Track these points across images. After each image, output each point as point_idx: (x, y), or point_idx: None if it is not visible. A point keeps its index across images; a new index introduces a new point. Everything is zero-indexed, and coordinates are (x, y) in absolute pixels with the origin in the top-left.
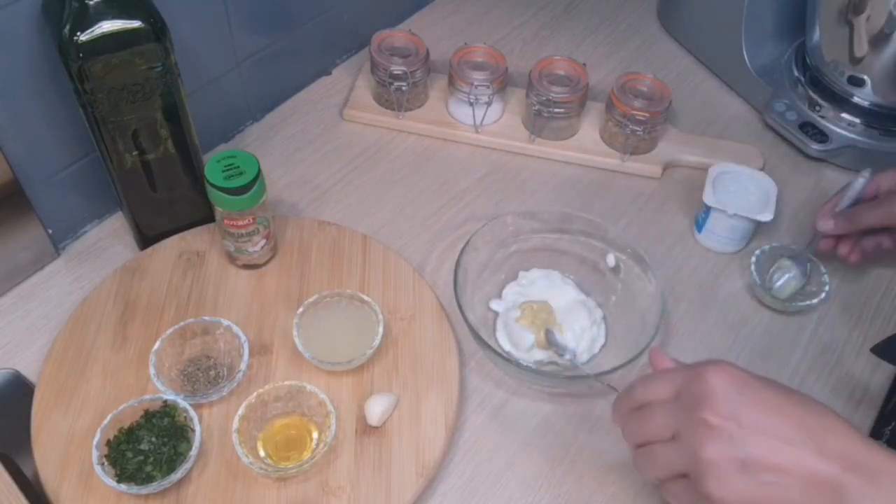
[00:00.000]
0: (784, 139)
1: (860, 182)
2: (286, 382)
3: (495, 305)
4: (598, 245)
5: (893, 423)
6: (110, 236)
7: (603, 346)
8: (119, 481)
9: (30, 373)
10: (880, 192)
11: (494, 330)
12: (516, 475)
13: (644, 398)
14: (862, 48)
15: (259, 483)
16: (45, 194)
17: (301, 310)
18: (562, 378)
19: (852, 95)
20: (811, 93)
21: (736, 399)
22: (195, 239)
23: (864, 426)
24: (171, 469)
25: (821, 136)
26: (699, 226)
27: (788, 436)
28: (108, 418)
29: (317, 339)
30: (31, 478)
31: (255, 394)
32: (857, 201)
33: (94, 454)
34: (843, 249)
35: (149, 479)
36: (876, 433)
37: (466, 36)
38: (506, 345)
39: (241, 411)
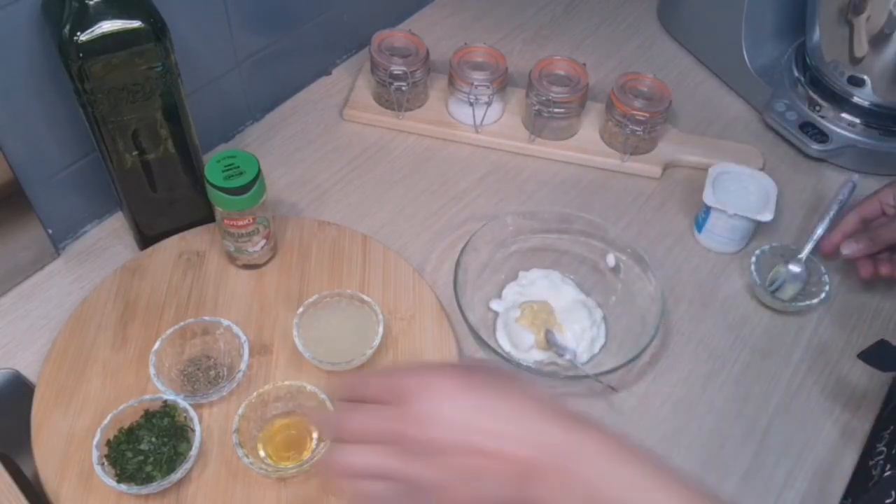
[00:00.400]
0: (784, 139)
1: (847, 189)
2: (286, 382)
3: (495, 305)
4: (598, 245)
5: (892, 427)
6: (110, 236)
7: (603, 346)
8: (119, 481)
9: (30, 373)
10: (885, 208)
11: (494, 330)
12: None
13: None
14: (862, 48)
15: (259, 483)
16: (45, 194)
17: (301, 310)
18: (562, 378)
19: (852, 95)
20: (811, 93)
21: (445, 422)
22: (195, 239)
23: (863, 426)
24: (171, 469)
25: (821, 136)
26: (699, 226)
27: (483, 433)
28: (109, 418)
29: (317, 339)
30: (31, 478)
31: (255, 394)
32: (843, 207)
33: (94, 454)
34: (885, 270)
35: (149, 480)
36: (875, 436)
37: (466, 36)
38: (506, 345)
39: (241, 411)
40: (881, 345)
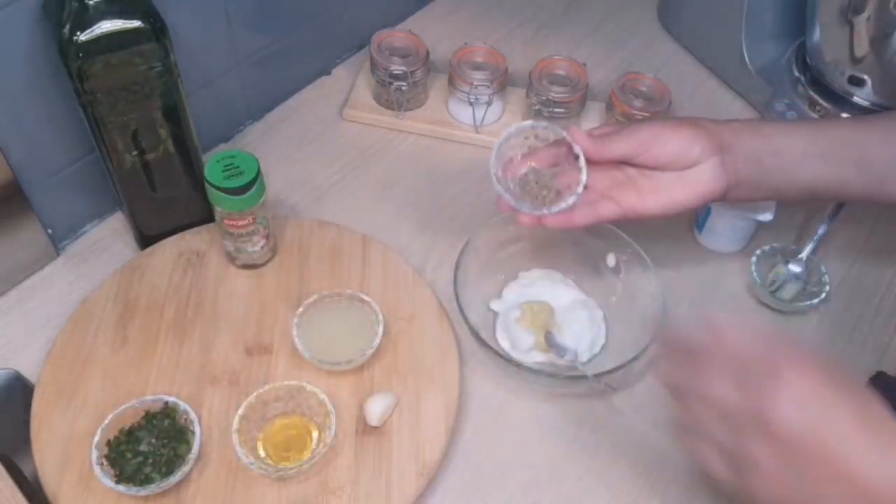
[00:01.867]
0: None
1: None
2: (286, 382)
3: (495, 305)
4: (598, 245)
5: None
6: (110, 236)
7: (603, 346)
8: (118, 482)
9: (30, 373)
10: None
11: (494, 330)
12: (516, 475)
13: (701, 383)
14: (862, 48)
15: (259, 483)
16: (45, 194)
17: (301, 310)
18: (562, 378)
19: (852, 95)
20: (811, 93)
21: (806, 419)
22: (195, 239)
23: None
24: (170, 471)
25: None
26: (699, 226)
27: (838, 446)
28: (109, 418)
29: (317, 339)
30: (31, 478)
31: (254, 394)
32: (843, 206)
33: (94, 454)
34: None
35: (147, 481)
36: None
37: (466, 36)
38: (505, 345)
39: (241, 411)
40: (879, 377)
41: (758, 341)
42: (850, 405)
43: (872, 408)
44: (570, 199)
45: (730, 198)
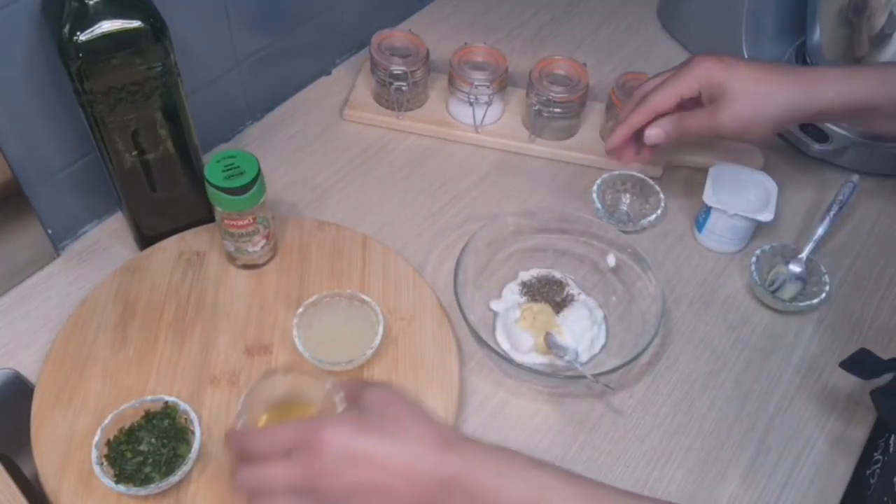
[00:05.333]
0: (784, 139)
1: (847, 189)
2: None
3: (495, 305)
4: (598, 245)
5: (887, 435)
6: (110, 236)
7: (603, 346)
8: (117, 482)
9: (30, 373)
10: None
11: (494, 330)
12: None
13: (260, 449)
14: (862, 48)
15: None
16: (45, 194)
17: (301, 310)
18: (561, 378)
19: None
20: None
21: (344, 471)
22: (195, 239)
23: (863, 427)
24: (170, 471)
25: (821, 135)
26: (699, 226)
27: (385, 472)
28: (109, 418)
29: (317, 339)
30: (31, 478)
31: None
32: (843, 207)
33: (94, 454)
34: (628, 155)
35: (147, 481)
36: (871, 445)
37: (466, 36)
38: (505, 345)
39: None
40: (862, 353)
41: (287, 432)
42: (380, 437)
43: (398, 424)
44: None
45: None
